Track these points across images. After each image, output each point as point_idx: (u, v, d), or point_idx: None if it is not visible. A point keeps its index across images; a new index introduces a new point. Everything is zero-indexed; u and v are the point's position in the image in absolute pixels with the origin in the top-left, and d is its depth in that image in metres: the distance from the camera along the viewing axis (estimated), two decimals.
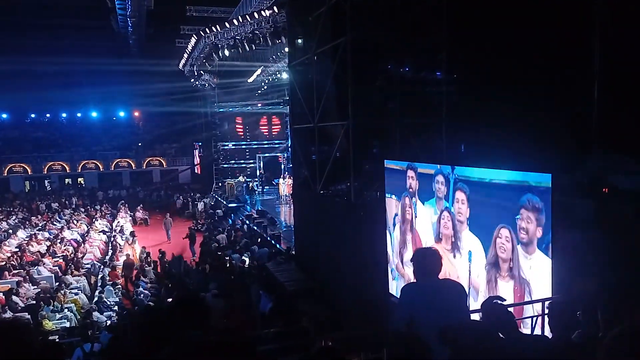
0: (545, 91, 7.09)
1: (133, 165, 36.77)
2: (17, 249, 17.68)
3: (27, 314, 11.13)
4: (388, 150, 9.21)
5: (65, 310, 11.63)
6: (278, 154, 29.16)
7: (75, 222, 23.17)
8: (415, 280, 3.53)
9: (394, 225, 7.23)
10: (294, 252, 12.85)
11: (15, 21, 30.46)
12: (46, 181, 35.19)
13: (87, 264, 15.82)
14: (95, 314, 11.30)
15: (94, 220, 24.00)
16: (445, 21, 7.66)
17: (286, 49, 15.07)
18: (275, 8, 16.08)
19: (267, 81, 27.19)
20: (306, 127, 11.16)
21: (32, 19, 30.32)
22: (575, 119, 7.05)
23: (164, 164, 37.45)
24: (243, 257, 14.34)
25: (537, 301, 4.48)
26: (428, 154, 8.28)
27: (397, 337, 2.70)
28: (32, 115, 38.95)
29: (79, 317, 11.51)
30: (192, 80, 27.19)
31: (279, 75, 24.75)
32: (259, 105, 29.91)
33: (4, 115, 38.14)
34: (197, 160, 35.40)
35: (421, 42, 9.12)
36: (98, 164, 36.07)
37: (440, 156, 7.85)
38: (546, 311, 3.77)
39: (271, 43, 17.39)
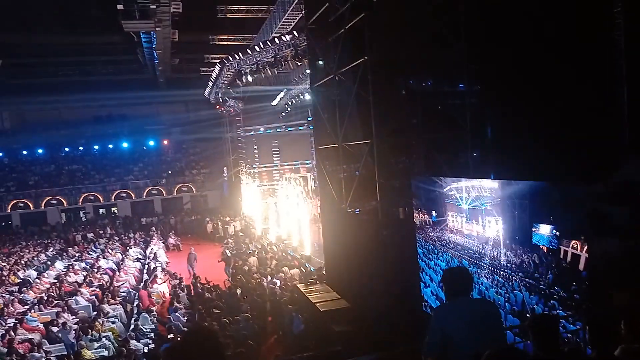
0: (571, 98, 6.97)
1: (164, 193, 37.52)
2: (56, 280, 18.16)
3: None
4: (414, 167, 9.17)
5: (103, 339, 11.80)
6: (305, 174, 29.34)
7: (110, 250, 23.68)
8: (446, 301, 3.46)
9: None
10: (324, 272, 12.81)
11: (48, 61, 31.81)
12: (81, 212, 36.20)
13: (123, 292, 16.07)
14: (132, 341, 11.42)
15: (128, 248, 24.46)
16: (464, 35, 7.65)
17: (308, 71, 15.27)
18: (295, 32, 16.37)
19: (290, 103, 27.52)
20: (331, 147, 11.22)
21: (63, 57, 31.63)
22: (606, 125, 6.90)
23: (194, 190, 38.09)
24: (274, 279, 14.36)
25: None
26: (454, 168, 8.20)
27: None
28: (66, 149, 40.31)
29: (117, 345, 11.66)
30: (218, 106, 27.76)
31: (302, 97, 25.03)
32: (284, 127, 30.28)
33: (40, 151, 39.61)
34: (225, 183, 35.92)
35: (441, 56, 9.13)
36: (130, 193, 36.95)
37: (466, 170, 7.77)
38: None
39: (293, 66, 17.67)
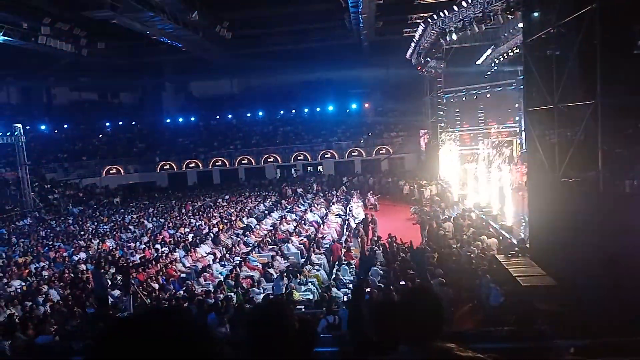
0: None
1: (363, 154, 39.14)
2: (272, 228, 20.71)
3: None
4: None
5: (309, 284, 13.11)
6: (511, 139, 27.36)
7: (315, 205, 25.87)
8: None
9: None
10: (528, 245, 11.92)
11: (268, 32, 35.27)
12: (292, 169, 40.21)
13: (326, 244, 17.49)
14: (334, 289, 12.42)
15: (330, 204, 26.36)
16: None
17: (520, 25, 13.92)
18: None
19: (497, 61, 25.64)
20: (543, 108, 10.17)
21: (279, 28, 34.71)
22: None
23: (391, 152, 38.83)
24: (471, 247, 13.93)
25: None
26: None
27: None
28: (281, 112, 44.83)
29: (320, 291, 12.83)
30: (419, 67, 27.35)
31: (510, 54, 23.04)
32: (489, 87, 28.45)
33: (260, 113, 44.88)
34: (423, 146, 35.66)
35: None
36: (334, 153, 39.52)
37: None
38: None
39: (503, 20, 16.33)
